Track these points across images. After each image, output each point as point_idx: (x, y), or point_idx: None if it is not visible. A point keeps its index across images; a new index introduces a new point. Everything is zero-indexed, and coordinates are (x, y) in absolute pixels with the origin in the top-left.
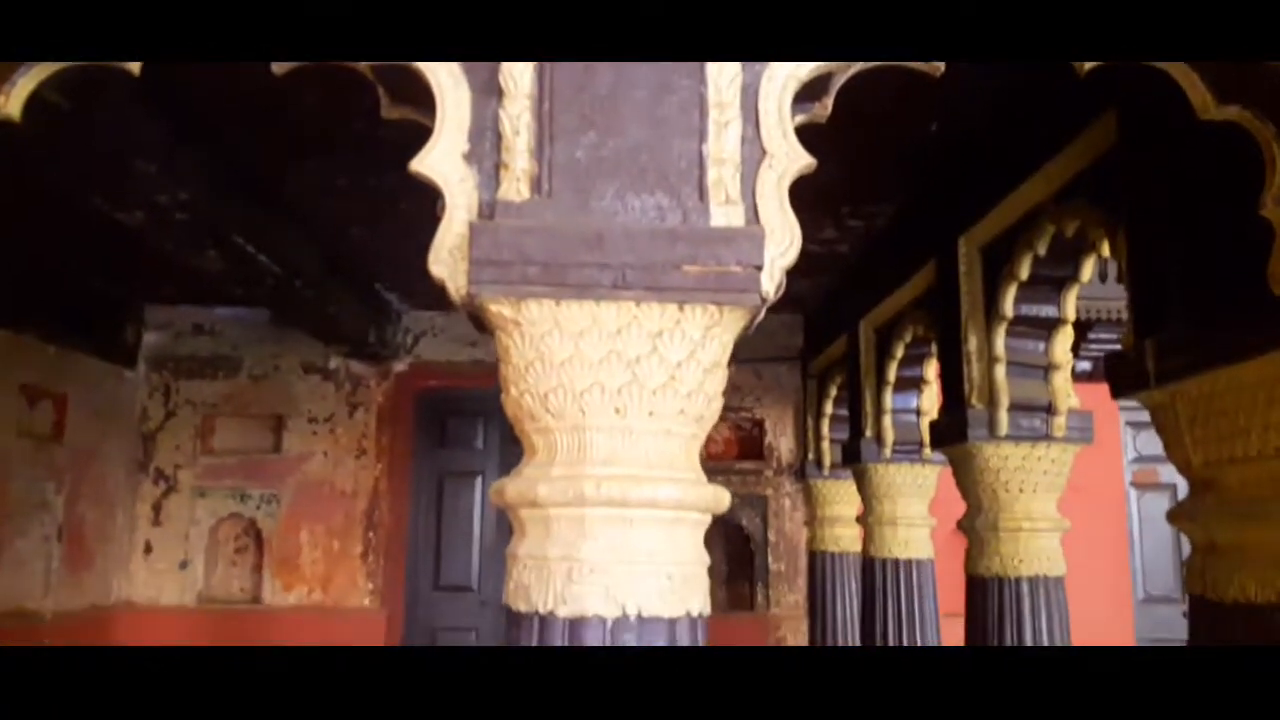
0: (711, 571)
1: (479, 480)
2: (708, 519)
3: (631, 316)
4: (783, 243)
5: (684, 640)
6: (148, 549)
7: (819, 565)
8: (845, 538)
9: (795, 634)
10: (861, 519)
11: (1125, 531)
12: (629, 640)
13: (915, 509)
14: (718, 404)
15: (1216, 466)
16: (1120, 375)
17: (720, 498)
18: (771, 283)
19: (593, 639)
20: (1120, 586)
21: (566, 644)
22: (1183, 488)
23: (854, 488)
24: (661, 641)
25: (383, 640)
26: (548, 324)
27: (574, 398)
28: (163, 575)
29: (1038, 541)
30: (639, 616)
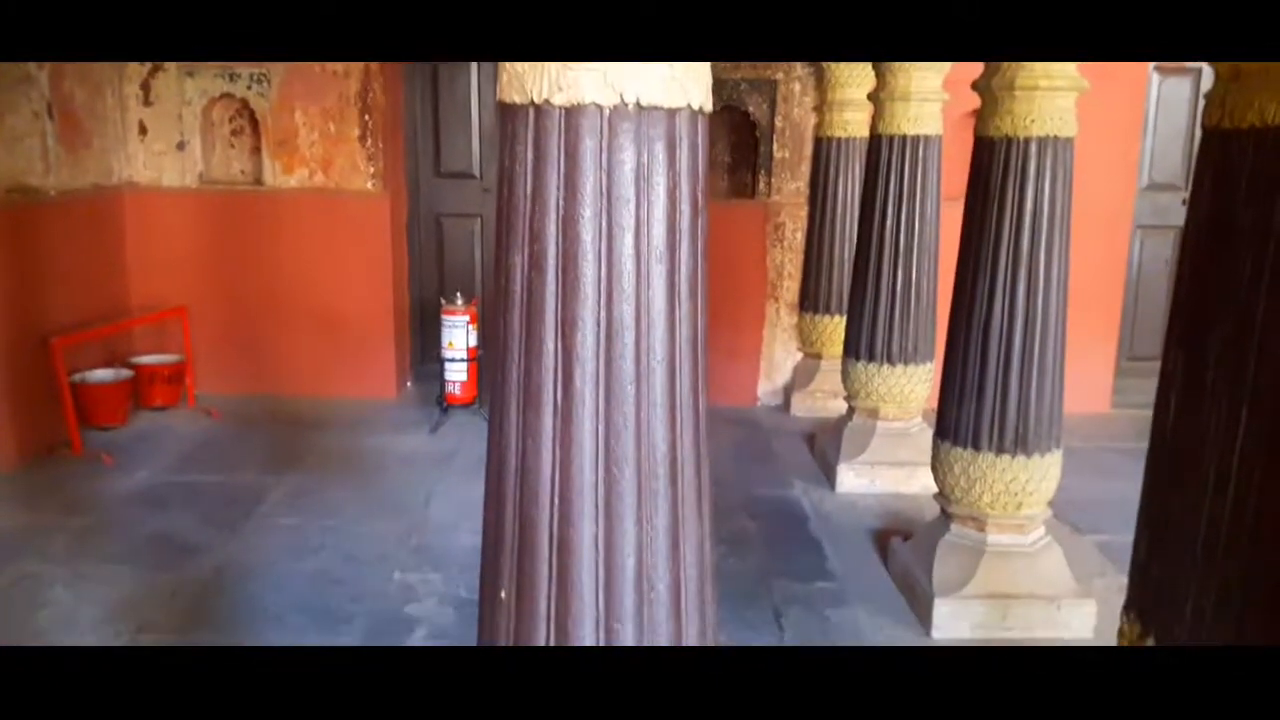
0: (715, 161)
1: (474, 66)
2: None
3: None
4: None
5: (684, 132)
6: (142, 130)
7: (824, 151)
8: (854, 123)
9: (794, 220)
10: (873, 95)
11: (1141, 117)
12: (626, 130)
13: (930, 83)
14: None
15: None
16: None
17: None
18: None
19: (589, 128)
20: (1127, 170)
21: (562, 134)
22: (1206, 74)
23: (868, 70)
24: (660, 131)
25: (387, 222)
26: None
27: None
28: (161, 157)
29: (1053, 101)
30: (638, 105)
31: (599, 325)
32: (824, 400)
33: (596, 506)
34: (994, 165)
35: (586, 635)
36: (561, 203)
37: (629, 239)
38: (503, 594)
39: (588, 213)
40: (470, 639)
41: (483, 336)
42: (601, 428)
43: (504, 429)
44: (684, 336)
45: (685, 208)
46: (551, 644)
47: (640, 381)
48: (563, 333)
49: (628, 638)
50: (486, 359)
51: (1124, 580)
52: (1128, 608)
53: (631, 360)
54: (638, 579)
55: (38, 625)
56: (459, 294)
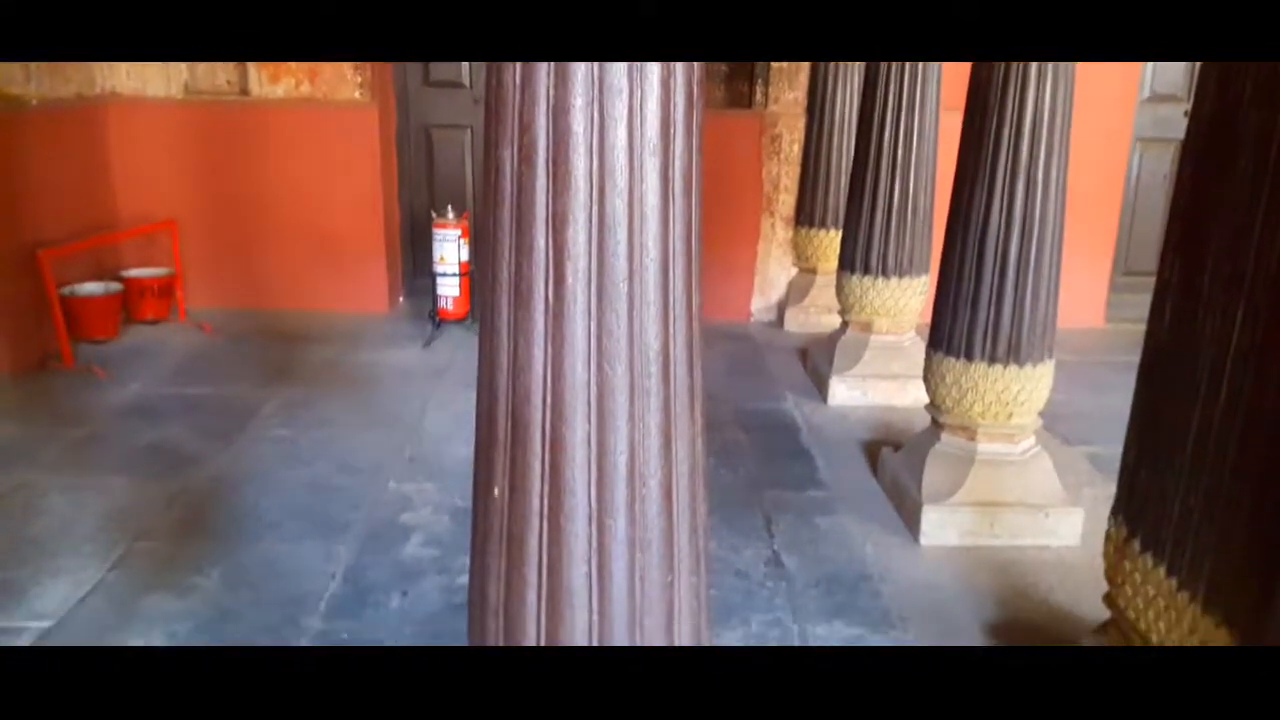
0: (711, 69)
1: None
2: None
3: None
4: None
5: None
6: None
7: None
8: None
9: (791, 131)
10: None
11: None
12: None
13: None
14: None
15: None
16: None
17: None
18: None
19: None
20: (1128, 81)
21: None
22: None
23: None
24: None
25: (376, 133)
26: None
27: None
28: (145, 66)
29: None
30: None
31: (590, 221)
32: (818, 316)
33: (589, 404)
34: (994, 71)
35: (579, 530)
36: (551, 91)
37: (621, 130)
38: (496, 491)
39: (579, 102)
40: (466, 544)
41: (474, 251)
42: (593, 326)
43: (495, 327)
44: (677, 234)
45: (679, 98)
46: (544, 538)
47: (633, 279)
48: (553, 229)
49: (620, 532)
50: (477, 267)
51: (1113, 490)
52: (1115, 511)
53: (624, 257)
54: (630, 475)
55: (34, 534)
56: (450, 207)
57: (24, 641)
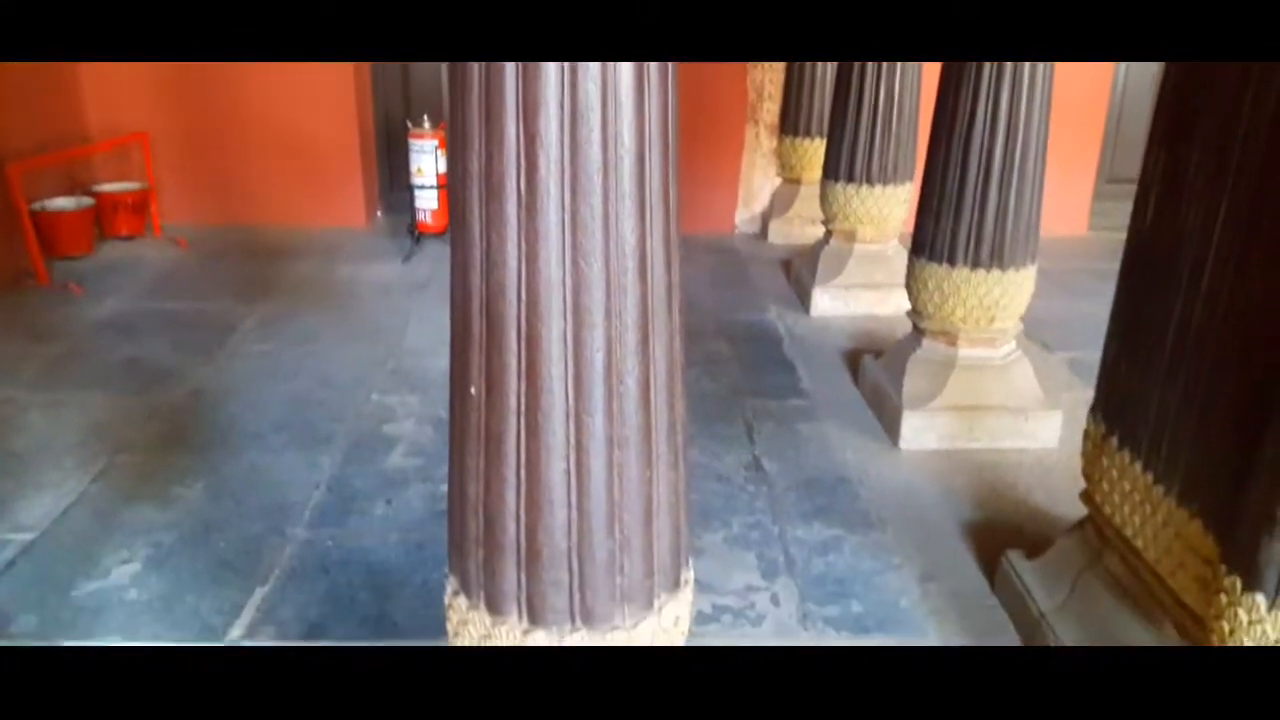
0: None
1: None
2: None
3: None
4: None
5: None
6: None
7: None
8: None
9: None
10: None
11: None
12: None
13: None
14: None
15: None
16: None
17: None
18: None
19: None
20: None
21: None
22: None
23: None
24: None
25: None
26: None
27: None
28: None
29: None
30: None
31: (562, 108)
32: (802, 227)
33: (564, 301)
34: None
35: (556, 428)
36: None
37: None
38: (473, 390)
39: None
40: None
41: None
42: (568, 219)
43: (467, 222)
44: (654, 121)
45: None
46: (522, 436)
47: (607, 171)
48: (524, 116)
49: (598, 430)
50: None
51: (1091, 395)
52: (1094, 409)
53: (598, 145)
54: (607, 373)
55: (14, 449)
56: (426, 117)
57: (8, 554)
